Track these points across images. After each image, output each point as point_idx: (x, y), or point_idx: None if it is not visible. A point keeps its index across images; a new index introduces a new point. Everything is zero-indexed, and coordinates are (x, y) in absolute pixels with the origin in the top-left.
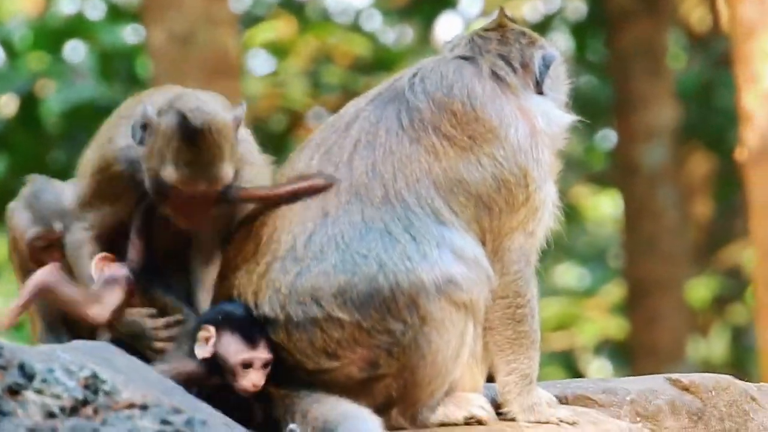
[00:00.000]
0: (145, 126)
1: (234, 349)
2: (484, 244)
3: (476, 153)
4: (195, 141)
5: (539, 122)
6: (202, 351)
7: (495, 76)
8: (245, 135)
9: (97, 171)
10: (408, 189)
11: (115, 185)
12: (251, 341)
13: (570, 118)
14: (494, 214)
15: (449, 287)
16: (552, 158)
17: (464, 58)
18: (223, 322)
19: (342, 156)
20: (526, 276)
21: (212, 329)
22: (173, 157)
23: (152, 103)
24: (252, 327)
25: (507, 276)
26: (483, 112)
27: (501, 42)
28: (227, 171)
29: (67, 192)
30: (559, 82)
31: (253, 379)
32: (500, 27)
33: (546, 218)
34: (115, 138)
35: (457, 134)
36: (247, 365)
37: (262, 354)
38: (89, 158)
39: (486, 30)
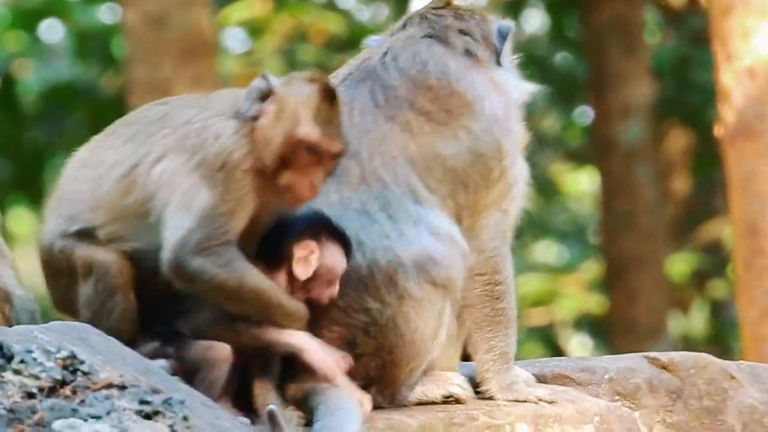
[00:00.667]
0: (264, 96)
1: (338, 258)
2: (460, 221)
3: (452, 127)
4: (334, 100)
5: (512, 94)
6: (305, 270)
7: (466, 51)
8: None
9: (222, 171)
10: (384, 168)
11: (243, 181)
12: (347, 249)
13: (534, 87)
14: (470, 190)
15: (427, 265)
16: (522, 130)
17: (431, 36)
18: (322, 234)
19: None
20: (502, 253)
21: (313, 244)
22: (313, 116)
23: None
24: (343, 233)
25: (484, 253)
26: (458, 86)
27: (457, 18)
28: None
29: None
30: (509, 54)
31: (334, 291)
32: (447, 5)
33: (519, 196)
34: (221, 132)
35: (433, 109)
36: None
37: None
38: (197, 165)
39: (436, 8)
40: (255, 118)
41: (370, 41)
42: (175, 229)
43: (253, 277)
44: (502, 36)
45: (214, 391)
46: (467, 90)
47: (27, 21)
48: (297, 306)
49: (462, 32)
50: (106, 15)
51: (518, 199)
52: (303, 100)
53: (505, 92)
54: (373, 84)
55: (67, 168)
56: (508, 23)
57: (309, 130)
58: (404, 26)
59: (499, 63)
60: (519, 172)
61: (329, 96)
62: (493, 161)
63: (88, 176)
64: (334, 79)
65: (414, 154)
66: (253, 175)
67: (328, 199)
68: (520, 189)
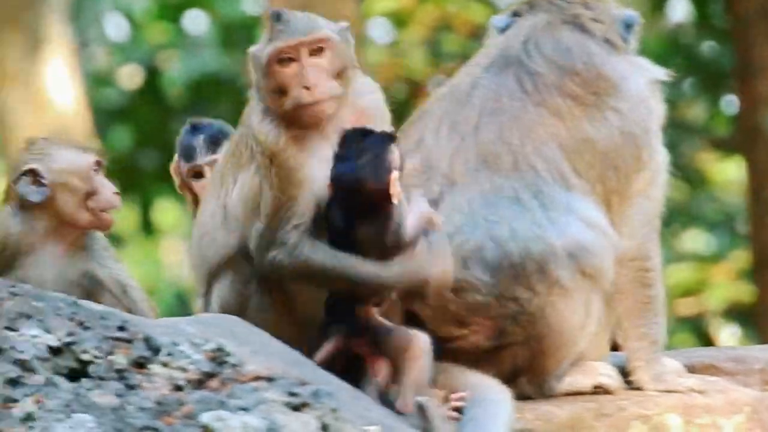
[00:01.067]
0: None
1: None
2: (609, 207)
3: (601, 108)
4: (279, 16)
5: (652, 74)
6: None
7: (605, 39)
8: None
9: (267, 154)
10: (536, 154)
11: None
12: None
13: (662, 71)
14: (620, 173)
15: (579, 254)
16: (662, 111)
17: (568, 22)
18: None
19: (467, 126)
20: (652, 239)
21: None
22: (267, 38)
23: None
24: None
25: (635, 239)
26: (603, 69)
27: (584, 5)
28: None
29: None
30: (634, 42)
31: None
32: None
33: (663, 182)
34: (251, 116)
35: (582, 93)
36: None
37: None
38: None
39: None
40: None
41: (497, 20)
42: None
43: (325, 256)
44: (628, 26)
45: (421, 382)
46: (612, 72)
47: (171, 13)
48: (383, 271)
49: (594, 20)
50: (249, 5)
51: (662, 185)
52: (261, 41)
53: (644, 73)
54: (518, 71)
55: None
56: (634, 13)
57: (267, 48)
58: (531, 8)
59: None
60: (662, 157)
61: (275, 17)
62: (642, 140)
63: None
64: (474, 67)
65: (564, 139)
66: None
67: (482, 187)
68: (663, 175)
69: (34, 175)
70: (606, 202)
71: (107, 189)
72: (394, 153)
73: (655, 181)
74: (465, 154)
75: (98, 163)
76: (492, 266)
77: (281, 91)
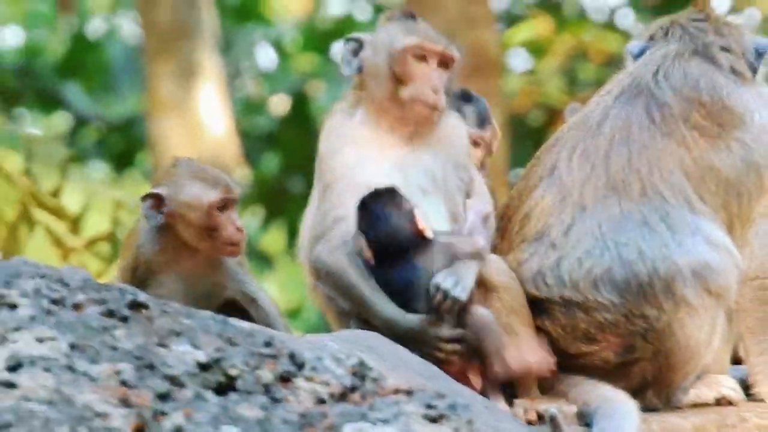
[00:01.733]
0: (356, 51)
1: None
2: (731, 231)
3: (725, 139)
4: (415, 18)
5: None
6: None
7: (732, 69)
8: None
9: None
10: (663, 182)
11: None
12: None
13: None
14: (743, 200)
15: (704, 273)
16: None
17: (697, 53)
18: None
19: (598, 154)
20: None
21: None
22: (405, 30)
23: None
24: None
25: (756, 260)
26: (728, 101)
27: (717, 34)
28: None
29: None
30: (763, 69)
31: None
32: (708, 17)
33: None
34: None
35: (707, 124)
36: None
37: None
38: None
39: (696, 20)
40: (360, 70)
41: (632, 47)
42: None
43: (358, 275)
44: (759, 54)
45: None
46: (737, 104)
47: (318, 43)
48: (396, 315)
49: (724, 49)
50: None
51: None
52: (390, 28)
53: None
54: (647, 101)
55: None
56: (765, 41)
57: (407, 38)
58: (666, 35)
59: (755, 76)
60: None
61: (410, 16)
62: (764, 169)
63: None
64: (606, 95)
65: (689, 167)
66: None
67: (610, 211)
68: None
69: (157, 199)
70: (729, 226)
71: (230, 226)
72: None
73: None
74: (595, 182)
75: (224, 201)
76: (621, 286)
77: (402, 81)
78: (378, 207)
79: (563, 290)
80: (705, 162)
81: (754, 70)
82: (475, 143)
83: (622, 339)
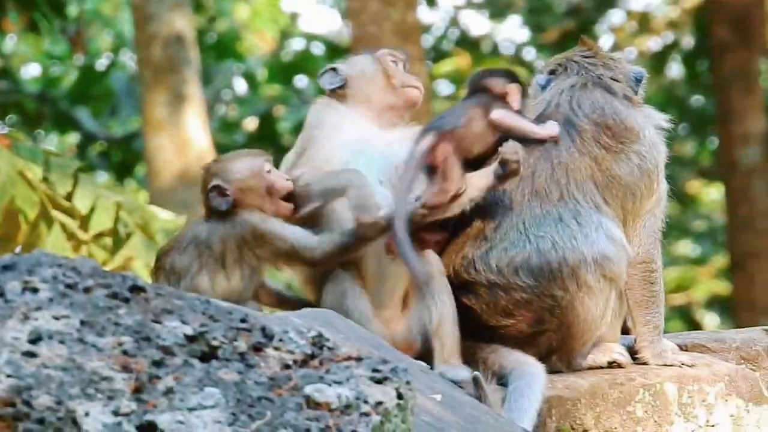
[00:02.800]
0: (334, 75)
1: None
2: (625, 224)
3: (626, 152)
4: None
5: (658, 123)
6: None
7: (624, 96)
8: None
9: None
10: (577, 189)
11: None
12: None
13: (664, 118)
14: (637, 199)
15: (603, 262)
16: (665, 151)
17: (596, 84)
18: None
19: (527, 170)
20: (656, 247)
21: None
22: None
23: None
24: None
25: (643, 246)
26: (627, 123)
27: (605, 66)
28: None
29: None
30: (642, 93)
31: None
32: (596, 54)
33: (665, 204)
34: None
35: (612, 143)
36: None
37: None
38: None
39: (586, 57)
40: (342, 85)
41: (539, 79)
42: None
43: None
44: (637, 80)
45: None
46: (633, 124)
47: (282, 74)
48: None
49: (614, 79)
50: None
51: (664, 207)
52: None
53: (654, 122)
54: (567, 126)
55: None
56: (641, 69)
57: (382, 49)
58: (565, 69)
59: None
60: (665, 186)
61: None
62: (654, 175)
63: None
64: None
65: (598, 178)
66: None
67: (533, 212)
68: (665, 199)
69: (218, 190)
70: (624, 221)
71: (281, 178)
72: None
73: (659, 204)
74: (523, 190)
75: (267, 160)
76: (536, 272)
77: (391, 75)
78: None
79: (489, 275)
80: (610, 172)
81: (636, 94)
82: None
83: (534, 314)
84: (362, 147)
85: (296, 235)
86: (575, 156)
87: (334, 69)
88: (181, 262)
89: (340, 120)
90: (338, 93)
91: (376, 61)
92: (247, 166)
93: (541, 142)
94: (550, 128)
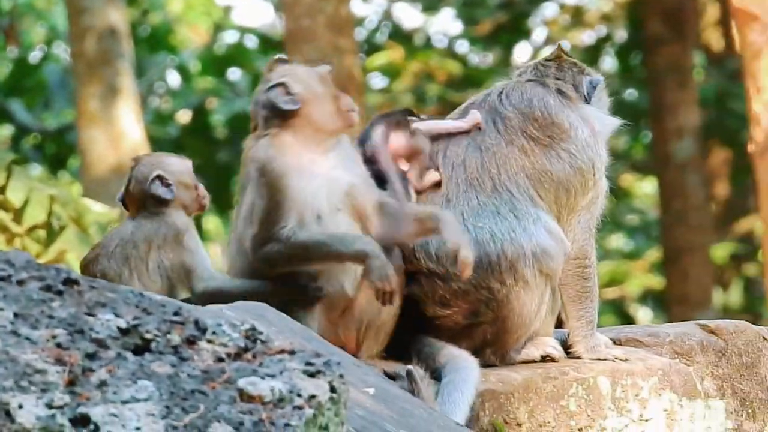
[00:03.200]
0: (285, 92)
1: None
2: (559, 219)
3: (555, 149)
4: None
5: (596, 125)
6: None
7: (560, 92)
8: None
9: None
10: (509, 180)
11: None
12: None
13: (617, 121)
14: (570, 195)
15: (542, 257)
16: (606, 155)
17: (535, 80)
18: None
19: (457, 159)
20: (590, 243)
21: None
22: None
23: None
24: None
25: (577, 243)
26: (556, 118)
27: (558, 69)
28: None
29: None
30: (604, 98)
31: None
32: (557, 58)
33: (602, 203)
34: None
35: (540, 135)
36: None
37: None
38: None
39: (547, 60)
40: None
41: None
42: None
43: (315, 233)
44: (592, 86)
45: None
46: (564, 121)
47: (215, 67)
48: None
49: (557, 78)
50: None
51: (601, 205)
52: (292, 67)
53: (590, 124)
54: (493, 115)
55: None
56: (598, 77)
57: (320, 67)
58: (523, 72)
59: (588, 103)
60: (603, 185)
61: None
62: (588, 174)
63: None
64: (462, 112)
65: (529, 170)
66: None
67: (470, 203)
68: (603, 198)
69: (162, 179)
70: (557, 216)
71: (201, 187)
72: None
73: (596, 202)
74: (456, 179)
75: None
76: (474, 262)
77: (337, 97)
78: None
79: (429, 263)
80: (541, 166)
81: (588, 98)
82: None
83: (470, 305)
84: (319, 180)
85: (200, 257)
86: (502, 145)
87: (283, 85)
88: (111, 269)
89: (300, 159)
90: (289, 115)
91: (323, 80)
92: (181, 162)
93: (467, 132)
94: (471, 117)
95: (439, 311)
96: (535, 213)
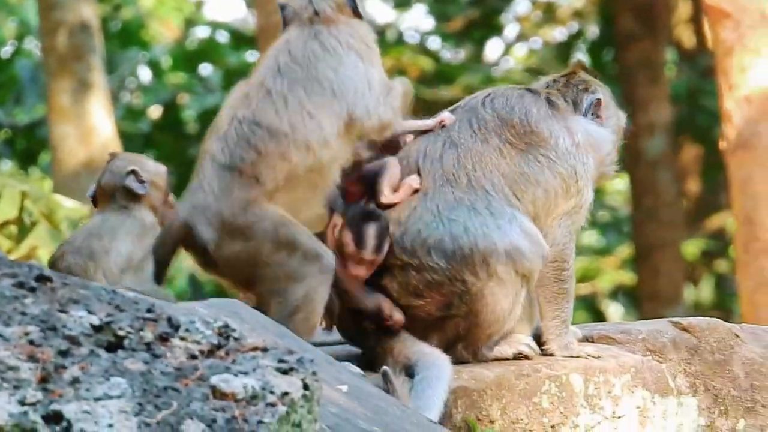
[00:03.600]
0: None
1: (347, 240)
2: (536, 221)
3: (533, 154)
4: None
5: (579, 137)
6: (330, 233)
7: (548, 101)
8: None
9: None
10: (485, 178)
11: None
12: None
13: (608, 135)
14: (550, 197)
15: (516, 256)
16: (594, 164)
17: (528, 90)
18: (349, 218)
19: (435, 154)
20: (570, 248)
21: (340, 219)
22: None
23: None
24: (368, 228)
25: (557, 246)
26: (536, 127)
27: (565, 85)
28: None
29: None
30: (614, 116)
31: (358, 271)
32: (572, 74)
33: (586, 212)
34: None
35: (516, 141)
36: (358, 260)
37: (367, 255)
38: None
39: (561, 75)
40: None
41: None
42: None
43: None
44: (590, 102)
45: None
46: (544, 130)
47: (187, 63)
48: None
49: (558, 91)
50: (249, 56)
51: (585, 214)
52: None
53: (574, 135)
54: (471, 116)
55: None
56: (593, 96)
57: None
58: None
59: (584, 116)
60: (589, 195)
61: None
62: (570, 180)
63: None
64: (446, 111)
65: (505, 170)
66: None
67: (446, 197)
68: (587, 207)
69: (136, 175)
70: (535, 217)
71: (172, 196)
72: None
73: (580, 210)
74: (433, 174)
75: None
76: (448, 254)
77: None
78: None
79: (403, 255)
80: (518, 168)
81: (585, 113)
82: None
83: (444, 297)
84: None
85: (147, 262)
86: (477, 144)
87: None
88: (77, 265)
89: None
90: None
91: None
92: (157, 166)
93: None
94: (440, 116)
95: (413, 301)
96: (511, 212)
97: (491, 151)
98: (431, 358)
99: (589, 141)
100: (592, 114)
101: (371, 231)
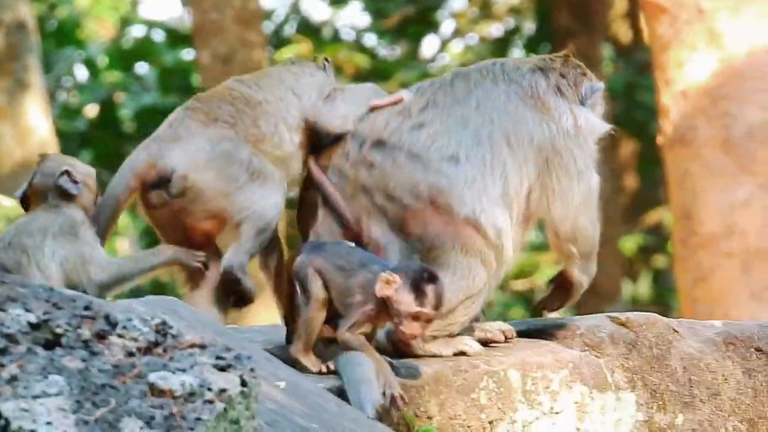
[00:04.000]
0: None
1: (407, 300)
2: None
3: (537, 113)
4: None
5: (582, 121)
6: (382, 291)
7: (557, 86)
8: None
9: None
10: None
11: None
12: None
13: (605, 125)
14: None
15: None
16: (594, 150)
17: (538, 67)
18: (406, 274)
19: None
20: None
21: (397, 277)
22: None
23: None
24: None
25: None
26: (543, 97)
27: (563, 66)
28: None
29: None
30: (599, 105)
31: (413, 329)
32: (565, 57)
33: (595, 199)
34: None
35: (523, 96)
36: (415, 317)
37: (427, 310)
38: None
39: (554, 57)
40: None
41: None
42: None
43: None
44: (592, 90)
45: None
46: (550, 103)
47: (123, 61)
48: None
49: (561, 75)
50: (185, 55)
51: (595, 201)
52: None
53: (577, 118)
54: (481, 68)
55: None
56: (599, 84)
57: None
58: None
59: (583, 104)
60: (592, 178)
61: None
62: (566, 152)
63: None
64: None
65: (508, 112)
66: None
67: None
68: (595, 194)
69: (70, 175)
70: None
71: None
72: None
73: (592, 195)
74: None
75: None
76: None
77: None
78: None
79: None
80: (519, 117)
81: (584, 101)
82: None
83: None
84: None
85: (97, 249)
86: (487, 83)
87: None
88: (9, 260)
89: None
90: None
91: None
92: (87, 168)
93: (394, 104)
94: (399, 94)
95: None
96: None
97: (497, 90)
98: (353, 356)
99: (587, 127)
100: (590, 102)
101: (433, 289)
